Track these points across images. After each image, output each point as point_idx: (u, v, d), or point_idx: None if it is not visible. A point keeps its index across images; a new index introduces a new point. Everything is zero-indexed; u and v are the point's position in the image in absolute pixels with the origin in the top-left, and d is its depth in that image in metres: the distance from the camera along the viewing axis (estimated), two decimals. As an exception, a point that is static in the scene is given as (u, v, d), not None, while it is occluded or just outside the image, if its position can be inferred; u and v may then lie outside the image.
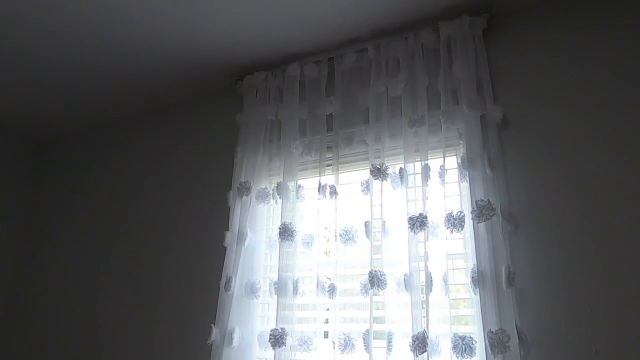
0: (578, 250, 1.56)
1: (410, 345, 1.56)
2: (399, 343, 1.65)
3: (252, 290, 1.95)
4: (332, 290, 1.78)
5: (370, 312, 1.67)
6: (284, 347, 1.75)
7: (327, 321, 1.84)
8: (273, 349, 1.76)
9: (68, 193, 2.89)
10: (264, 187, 2.10)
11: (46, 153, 3.14)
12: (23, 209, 3.00)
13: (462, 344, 1.53)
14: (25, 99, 2.66)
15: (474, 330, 1.60)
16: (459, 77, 1.82)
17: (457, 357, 1.53)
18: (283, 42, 2.14)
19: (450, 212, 1.67)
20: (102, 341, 2.39)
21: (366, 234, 1.79)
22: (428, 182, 1.73)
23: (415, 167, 1.79)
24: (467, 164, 1.71)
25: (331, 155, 1.99)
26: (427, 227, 1.67)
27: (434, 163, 1.77)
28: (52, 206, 2.92)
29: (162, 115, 2.71)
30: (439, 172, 1.74)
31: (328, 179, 1.94)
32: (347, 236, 1.84)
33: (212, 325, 1.91)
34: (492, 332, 1.48)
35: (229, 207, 2.11)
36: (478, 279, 1.57)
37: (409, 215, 1.70)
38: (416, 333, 1.56)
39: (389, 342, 1.63)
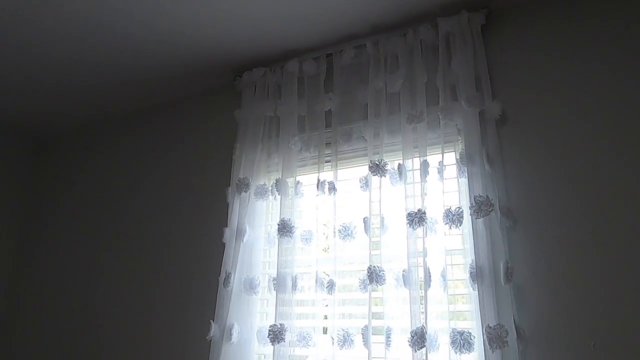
0: (576, 246, 1.56)
1: (408, 341, 1.56)
2: (398, 338, 1.65)
3: (251, 287, 1.95)
4: (331, 286, 1.78)
5: (369, 308, 1.68)
6: (283, 342, 1.76)
7: (326, 317, 1.84)
8: (272, 344, 1.76)
9: (67, 190, 2.89)
10: (262, 183, 2.11)
11: (45, 150, 3.13)
12: (22, 206, 3.00)
13: (461, 339, 1.53)
14: (25, 96, 2.65)
15: (472, 325, 1.60)
16: (457, 73, 1.82)
17: (456, 352, 1.54)
18: (282, 38, 2.14)
19: (448, 208, 1.67)
20: (101, 337, 2.39)
21: (365, 230, 1.79)
22: (427, 178, 1.73)
23: (414, 163, 1.80)
24: (466, 160, 1.72)
25: (330, 152, 1.99)
26: (426, 223, 1.67)
27: (433, 159, 1.77)
28: (51, 203, 2.92)
29: (161, 112, 2.71)
30: (438, 168, 1.74)
31: (327, 175, 1.95)
32: (345, 232, 1.84)
33: (211, 321, 1.91)
34: (491, 327, 1.49)
35: (228, 203, 2.11)
36: (476, 275, 1.58)
37: (408, 211, 1.70)
38: (415, 328, 1.56)
39: (388, 337, 1.63)
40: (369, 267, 1.71)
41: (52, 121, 2.96)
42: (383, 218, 1.78)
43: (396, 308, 1.72)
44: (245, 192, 2.05)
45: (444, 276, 1.63)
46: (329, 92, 2.06)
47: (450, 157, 1.82)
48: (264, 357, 1.96)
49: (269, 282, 1.96)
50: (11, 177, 2.98)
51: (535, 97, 1.77)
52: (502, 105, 1.78)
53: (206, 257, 2.20)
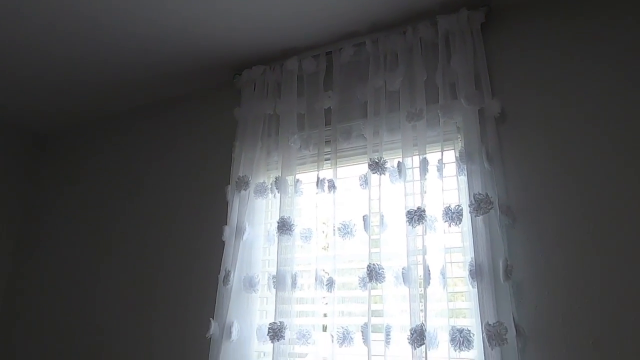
0: (575, 243, 1.56)
1: (408, 338, 1.57)
2: (397, 336, 1.66)
3: (250, 284, 1.95)
4: (330, 284, 1.78)
5: (369, 306, 1.68)
6: (282, 340, 1.76)
7: (325, 315, 1.84)
8: (272, 342, 1.77)
9: (66, 188, 2.89)
10: (262, 181, 2.11)
11: (44, 148, 3.13)
12: (21, 203, 3.00)
13: (460, 337, 1.54)
14: (24, 93, 2.65)
15: (472, 323, 1.60)
16: (457, 71, 1.82)
17: (455, 350, 1.54)
18: (281, 36, 2.14)
19: (448, 205, 1.68)
20: (101, 335, 2.39)
21: (364, 227, 1.79)
22: (426, 176, 1.73)
23: (413, 161, 1.80)
24: (465, 158, 1.72)
25: (329, 150, 1.99)
26: (425, 220, 1.68)
27: (432, 157, 1.77)
28: (51, 201, 2.92)
29: (160, 109, 2.70)
30: (437, 166, 1.74)
31: (326, 173, 1.95)
32: (345, 230, 1.84)
33: (211, 319, 1.91)
34: (490, 324, 1.49)
35: (227, 201, 2.11)
36: (476, 272, 1.58)
37: (407, 209, 1.71)
38: (414, 326, 1.57)
39: (387, 335, 1.63)
40: (368, 265, 1.71)
41: (52, 119, 2.96)
42: (382, 216, 1.78)
43: (396, 306, 1.73)
44: (245, 190, 2.05)
45: (443, 274, 1.64)
46: (329, 90, 2.06)
47: (450, 155, 1.82)
48: (264, 354, 1.96)
49: (268, 280, 1.96)
50: (10, 174, 2.98)
51: (535, 95, 1.77)
52: (502, 103, 1.79)
53: (206, 255, 2.20)
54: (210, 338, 1.90)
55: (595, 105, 1.66)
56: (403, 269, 1.68)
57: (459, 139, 1.84)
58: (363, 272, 1.73)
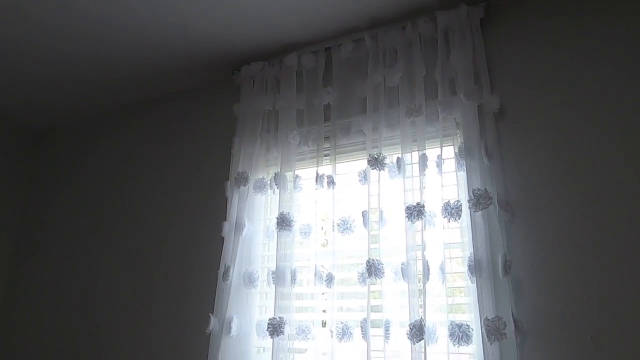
0: (574, 238, 1.57)
1: (407, 334, 1.57)
2: (397, 331, 1.66)
3: (250, 280, 1.95)
4: (329, 279, 1.78)
5: (368, 301, 1.69)
6: (282, 336, 1.76)
7: (324, 310, 1.85)
8: (271, 337, 1.77)
9: (65, 185, 2.88)
10: (261, 177, 2.11)
11: (43, 145, 3.12)
12: (19, 201, 2.99)
13: (459, 332, 1.54)
14: (22, 90, 2.64)
15: (471, 318, 1.61)
16: (456, 67, 1.82)
17: (454, 345, 1.55)
18: (280, 32, 2.13)
19: (447, 201, 1.68)
20: (100, 331, 2.39)
21: (364, 223, 1.79)
22: (425, 172, 1.73)
23: (412, 157, 1.80)
24: (464, 154, 1.72)
25: (329, 146, 1.99)
26: (425, 216, 1.68)
27: (432, 153, 1.78)
28: (51, 198, 2.92)
29: (160, 106, 2.70)
30: (437, 162, 1.74)
31: (325, 169, 1.95)
32: (344, 226, 1.85)
33: (211, 314, 1.92)
34: (489, 319, 1.50)
35: (227, 197, 2.11)
36: (475, 268, 1.58)
37: (407, 205, 1.71)
38: (413, 321, 1.57)
39: (387, 330, 1.64)
40: (367, 261, 1.71)
41: (50, 115, 2.95)
42: (382, 212, 1.78)
43: (395, 301, 1.73)
44: (244, 186, 2.05)
45: (442, 269, 1.64)
46: (328, 86, 2.06)
47: (449, 151, 1.82)
48: (263, 350, 1.96)
49: (268, 275, 1.96)
50: (8, 172, 2.97)
51: (534, 91, 1.77)
52: (501, 99, 1.79)
53: (205, 251, 2.20)
54: (210, 333, 1.90)
55: (594, 101, 1.66)
56: (402, 264, 1.69)
57: (458, 135, 1.85)
58: (362, 267, 1.74)
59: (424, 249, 1.65)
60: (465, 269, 1.64)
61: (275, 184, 2.02)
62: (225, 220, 2.06)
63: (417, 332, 1.55)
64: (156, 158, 2.58)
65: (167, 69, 2.43)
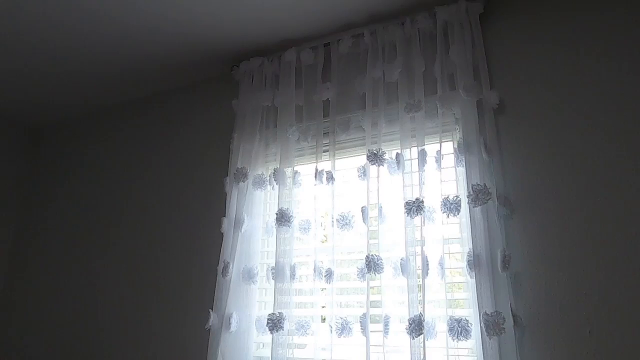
0: (572, 233, 1.57)
1: (406, 329, 1.57)
2: (396, 326, 1.67)
3: (249, 276, 1.96)
4: (329, 275, 1.79)
5: (367, 297, 1.69)
6: (281, 331, 1.77)
7: (324, 306, 1.85)
8: (271, 333, 1.77)
9: (63, 182, 2.88)
10: (260, 173, 2.10)
11: (41, 141, 3.12)
12: (17, 198, 2.99)
13: (458, 327, 1.55)
14: (20, 86, 2.64)
15: (470, 313, 1.62)
16: (455, 62, 1.82)
17: (453, 340, 1.55)
18: (279, 28, 2.13)
19: (446, 196, 1.68)
20: (100, 327, 2.40)
21: (363, 219, 1.80)
22: (424, 167, 1.73)
23: (411, 153, 1.80)
24: (464, 149, 1.72)
25: (328, 141, 1.99)
26: (424, 211, 1.68)
27: (431, 148, 1.78)
28: (47, 194, 2.91)
29: (158, 102, 2.70)
30: (436, 157, 1.74)
31: (325, 164, 1.95)
32: (344, 221, 1.85)
33: (210, 310, 1.92)
34: (488, 314, 1.50)
35: (226, 193, 2.11)
36: (474, 263, 1.59)
37: (406, 200, 1.71)
38: (412, 316, 1.57)
39: (386, 325, 1.64)
40: (367, 256, 1.71)
41: (48, 111, 2.95)
42: (381, 207, 1.78)
43: (394, 296, 1.74)
44: (243, 182, 2.05)
45: (441, 264, 1.64)
46: (327, 81, 2.06)
47: (448, 146, 1.82)
48: (263, 345, 1.97)
49: (267, 271, 1.96)
50: (5, 168, 2.97)
51: (533, 86, 1.77)
52: (500, 95, 1.79)
53: (204, 247, 2.20)
54: (210, 329, 1.90)
55: (593, 97, 1.66)
56: (401, 259, 1.69)
57: (458, 130, 1.85)
58: (361, 263, 1.74)
59: (423, 245, 1.65)
60: (464, 264, 1.64)
61: (275, 180, 2.02)
62: (225, 216, 2.06)
63: (416, 327, 1.55)
64: (155, 154, 2.58)
65: (166, 65, 2.43)
